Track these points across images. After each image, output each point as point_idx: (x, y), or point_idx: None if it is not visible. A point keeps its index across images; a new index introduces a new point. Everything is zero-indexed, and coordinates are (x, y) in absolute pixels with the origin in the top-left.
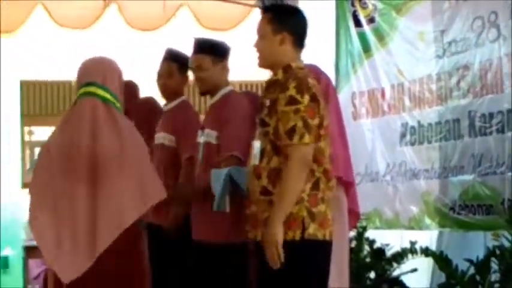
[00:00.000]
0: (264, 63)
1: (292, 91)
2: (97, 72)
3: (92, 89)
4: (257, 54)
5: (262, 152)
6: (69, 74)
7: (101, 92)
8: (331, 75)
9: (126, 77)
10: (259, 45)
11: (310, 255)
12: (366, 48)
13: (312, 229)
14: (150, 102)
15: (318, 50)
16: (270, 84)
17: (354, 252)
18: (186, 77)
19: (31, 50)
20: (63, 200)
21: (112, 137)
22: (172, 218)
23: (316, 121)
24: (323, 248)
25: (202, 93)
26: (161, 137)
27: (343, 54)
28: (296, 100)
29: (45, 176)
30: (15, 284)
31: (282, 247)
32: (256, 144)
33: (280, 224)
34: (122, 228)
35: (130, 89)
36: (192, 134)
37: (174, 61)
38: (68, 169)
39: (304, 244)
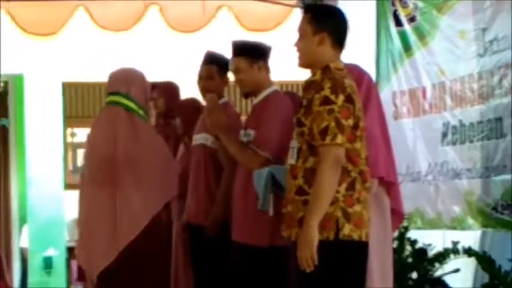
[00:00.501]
0: (303, 63)
1: (327, 91)
2: (122, 83)
3: (117, 98)
4: (297, 54)
5: (299, 151)
6: None
7: (124, 101)
8: (372, 75)
9: (167, 78)
10: (299, 45)
11: (345, 256)
12: (407, 47)
13: (347, 230)
14: (193, 103)
15: (358, 50)
16: (308, 85)
17: (396, 253)
18: (226, 79)
19: (73, 51)
20: (89, 202)
21: (130, 142)
22: (212, 218)
23: (350, 122)
24: (359, 249)
25: (245, 96)
26: (202, 138)
27: (383, 54)
28: (330, 100)
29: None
30: (59, 285)
31: (316, 249)
32: (293, 144)
33: (315, 226)
34: (138, 229)
35: (171, 90)
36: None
37: (213, 64)
38: (93, 172)
39: (339, 244)
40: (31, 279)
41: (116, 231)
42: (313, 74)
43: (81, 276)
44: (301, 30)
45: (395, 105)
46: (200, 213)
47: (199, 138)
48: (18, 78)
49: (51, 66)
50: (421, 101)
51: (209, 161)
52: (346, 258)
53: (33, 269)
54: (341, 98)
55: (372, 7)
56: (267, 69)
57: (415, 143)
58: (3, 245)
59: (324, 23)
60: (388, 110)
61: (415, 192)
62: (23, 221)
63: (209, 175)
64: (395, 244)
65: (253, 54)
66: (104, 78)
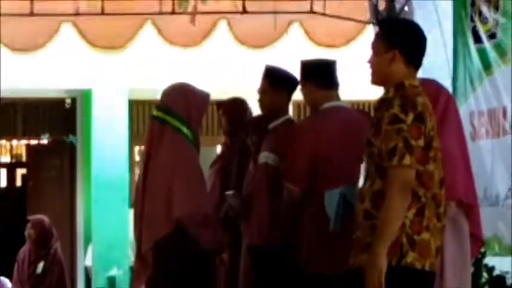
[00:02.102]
0: (375, 80)
1: (396, 109)
2: (172, 100)
3: (161, 114)
4: (370, 71)
5: (367, 174)
6: None
7: (169, 118)
8: None
9: (235, 94)
10: (372, 62)
11: (406, 285)
12: (486, 65)
13: (410, 258)
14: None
15: (434, 69)
16: (380, 103)
17: (471, 280)
18: (285, 95)
19: (140, 67)
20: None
21: (163, 158)
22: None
23: (420, 142)
24: (421, 279)
25: None
26: (265, 157)
27: (461, 72)
28: (399, 119)
29: None
30: None
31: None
32: (363, 166)
33: (383, 253)
34: (155, 239)
35: (235, 108)
36: None
37: (266, 78)
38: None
39: (401, 272)
40: None
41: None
42: (386, 92)
43: None
44: (374, 46)
45: (473, 126)
46: (263, 234)
47: (263, 156)
48: (86, 94)
49: (119, 81)
50: (501, 122)
51: (271, 180)
52: (406, 287)
53: None
54: (411, 116)
55: (448, 23)
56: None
57: (493, 165)
58: (68, 264)
59: (396, 39)
60: (465, 130)
61: (493, 217)
62: (88, 240)
63: (271, 196)
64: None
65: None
66: None
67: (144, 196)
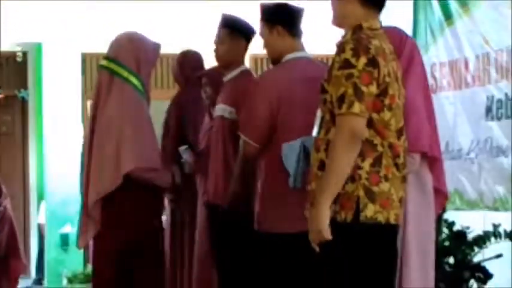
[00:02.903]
0: (334, 21)
1: (347, 53)
2: (121, 50)
3: (110, 64)
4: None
5: (321, 122)
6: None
7: (117, 68)
8: None
9: (189, 47)
10: (331, 3)
11: (368, 240)
12: (447, 15)
13: (370, 211)
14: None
15: (393, 18)
16: (337, 47)
17: None
18: (242, 45)
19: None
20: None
21: (111, 110)
22: (230, 197)
23: (372, 88)
24: (385, 233)
25: (273, 62)
26: (221, 109)
27: (421, 22)
28: (350, 64)
29: None
30: (76, 262)
31: (329, 230)
32: (317, 114)
33: (325, 203)
34: (103, 193)
35: (191, 58)
36: None
37: (224, 27)
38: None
39: (360, 227)
40: (48, 256)
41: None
42: (344, 35)
43: None
44: None
45: (434, 78)
46: (218, 192)
47: (218, 109)
48: (37, 47)
49: (70, 33)
50: (463, 73)
51: (228, 134)
52: (369, 243)
53: (50, 245)
54: (362, 60)
55: None
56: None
57: (455, 118)
58: (21, 222)
59: None
60: None
61: (454, 171)
62: (40, 197)
63: (227, 150)
64: None
65: (271, 18)
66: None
67: (91, 149)
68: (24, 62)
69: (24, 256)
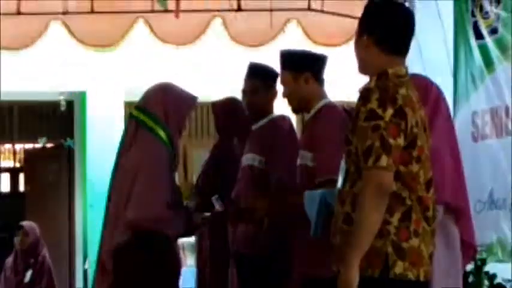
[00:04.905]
0: (359, 69)
1: (373, 103)
2: (150, 100)
3: (138, 114)
4: None
5: (346, 174)
6: None
7: (144, 118)
8: (449, 93)
9: (231, 94)
10: (354, 50)
11: None
12: (488, 62)
13: (399, 268)
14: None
15: (434, 66)
16: (360, 94)
17: None
18: (274, 93)
19: (134, 66)
20: None
21: (131, 159)
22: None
23: (400, 140)
24: None
25: (294, 111)
26: (250, 159)
27: (462, 70)
28: (376, 115)
29: None
30: None
31: None
32: (342, 165)
33: (355, 264)
34: (114, 244)
35: (226, 108)
36: (282, 154)
37: (257, 77)
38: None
39: (388, 285)
40: None
41: None
42: (369, 81)
43: None
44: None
45: (475, 126)
46: (248, 241)
47: (247, 158)
48: (82, 96)
49: (113, 82)
50: (504, 120)
51: (256, 184)
52: None
53: None
54: (389, 111)
55: (449, 19)
56: (318, 81)
57: (499, 166)
58: (67, 269)
59: (368, 22)
60: (466, 130)
61: (498, 220)
62: (86, 244)
63: (258, 198)
64: (470, 279)
65: (297, 66)
66: None
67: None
68: (69, 110)
69: None
